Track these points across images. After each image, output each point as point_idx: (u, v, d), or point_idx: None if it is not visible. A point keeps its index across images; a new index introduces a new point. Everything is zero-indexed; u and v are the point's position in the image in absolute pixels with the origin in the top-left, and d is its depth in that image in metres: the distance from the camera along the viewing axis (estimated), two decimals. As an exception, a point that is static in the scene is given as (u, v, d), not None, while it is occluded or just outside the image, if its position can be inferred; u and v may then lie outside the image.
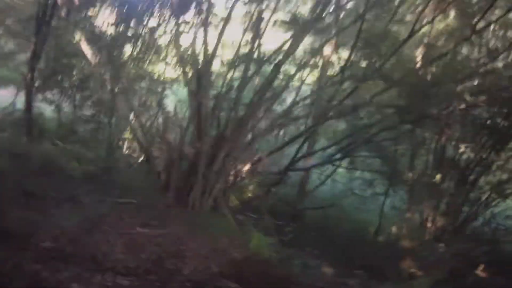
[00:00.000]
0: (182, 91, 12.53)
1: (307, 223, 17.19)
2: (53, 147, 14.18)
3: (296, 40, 12.08)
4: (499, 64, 14.45)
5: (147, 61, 13.58)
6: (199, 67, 10.97)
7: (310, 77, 19.11)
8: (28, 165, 11.83)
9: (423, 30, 13.92)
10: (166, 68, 14.50)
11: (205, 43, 11.21)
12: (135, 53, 13.33)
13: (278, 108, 15.44)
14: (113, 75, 11.73)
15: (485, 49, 14.40)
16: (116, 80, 11.67)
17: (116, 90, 11.85)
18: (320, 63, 18.10)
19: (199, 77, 10.74)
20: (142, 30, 13.05)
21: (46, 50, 12.91)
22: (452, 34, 14.01)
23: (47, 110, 17.04)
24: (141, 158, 12.18)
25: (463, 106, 14.53)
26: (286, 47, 12.04)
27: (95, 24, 12.18)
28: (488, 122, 16.18)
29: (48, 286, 5.58)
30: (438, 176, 16.35)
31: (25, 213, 7.94)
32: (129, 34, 13.03)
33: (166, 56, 13.67)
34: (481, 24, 13.03)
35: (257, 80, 12.89)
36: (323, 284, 7.76)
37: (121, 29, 12.77)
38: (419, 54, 14.76)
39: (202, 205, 10.17)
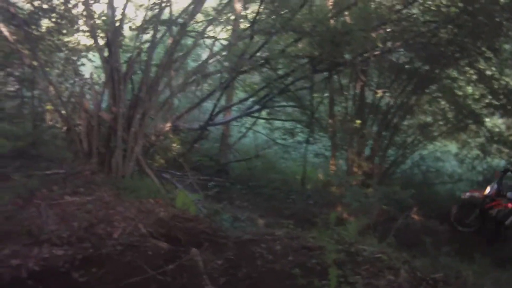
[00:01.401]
0: (98, 59, 12.63)
1: (232, 176, 17.44)
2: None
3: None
4: (414, 10, 14.84)
5: (63, 32, 13.64)
6: (109, 33, 11.08)
7: (223, 33, 19.31)
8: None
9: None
10: (81, 38, 14.58)
11: (113, 8, 11.31)
12: (51, 25, 13.43)
13: (194, 65, 15.62)
14: (31, 49, 11.78)
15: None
16: (34, 54, 11.73)
17: (35, 64, 11.90)
18: (231, 19, 18.31)
19: (110, 43, 10.85)
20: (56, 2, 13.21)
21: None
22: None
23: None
24: (64, 128, 12.27)
25: (378, 52, 14.89)
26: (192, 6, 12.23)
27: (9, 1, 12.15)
28: (406, 66, 16.63)
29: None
30: (359, 122, 16.69)
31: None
32: (44, 7, 13.15)
33: (80, 25, 13.75)
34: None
35: (167, 41, 13.08)
36: (251, 235, 8.04)
37: (36, 4, 12.90)
38: (330, 3, 15.08)
39: (125, 168, 10.29)
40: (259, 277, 6.52)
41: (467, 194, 14.78)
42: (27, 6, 13.10)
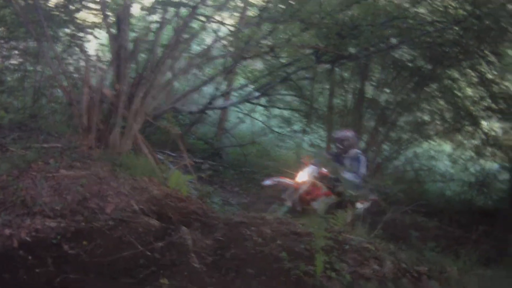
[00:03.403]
0: (105, 36, 12.66)
1: (226, 161, 17.56)
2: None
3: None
4: (422, 9, 14.87)
5: (71, 8, 13.64)
6: (119, 11, 11.13)
7: (230, 19, 19.34)
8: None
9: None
10: (88, 14, 14.60)
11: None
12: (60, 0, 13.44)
13: (198, 49, 15.66)
14: (38, 22, 11.80)
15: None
16: (41, 28, 11.76)
17: (41, 37, 11.94)
18: (240, 5, 18.34)
19: (119, 21, 10.91)
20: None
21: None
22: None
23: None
24: (65, 103, 12.29)
25: (383, 48, 14.96)
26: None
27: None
28: (409, 64, 16.70)
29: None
30: (358, 115, 16.77)
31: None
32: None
33: (88, 2, 13.75)
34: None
35: (176, 23, 13.14)
36: (241, 218, 8.15)
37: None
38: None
39: (122, 145, 10.34)
40: (247, 259, 6.64)
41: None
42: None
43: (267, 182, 11.77)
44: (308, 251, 6.97)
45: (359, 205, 11.46)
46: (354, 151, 11.83)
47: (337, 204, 11.23)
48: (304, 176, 11.70)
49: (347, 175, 11.51)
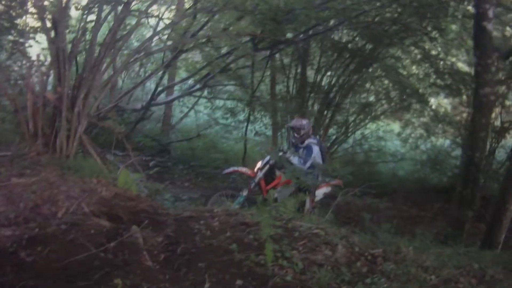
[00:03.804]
0: (45, 40, 12.67)
1: (174, 156, 17.66)
2: None
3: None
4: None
5: (12, 15, 13.60)
6: (55, 13, 11.13)
7: (168, 13, 19.40)
8: None
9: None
10: (29, 19, 14.58)
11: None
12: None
13: (137, 45, 15.71)
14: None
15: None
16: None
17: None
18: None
19: (56, 23, 10.92)
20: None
21: None
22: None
23: None
24: (12, 110, 12.29)
25: (320, 30, 15.07)
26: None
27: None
28: (349, 45, 16.86)
29: None
30: (301, 100, 16.89)
31: None
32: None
33: (28, 7, 13.73)
34: None
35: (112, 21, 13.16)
36: (190, 213, 8.26)
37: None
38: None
39: (69, 148, 10.38)
40: (197, 253, 6.73)
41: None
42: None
43: (226, 170, 12.21)
44: (257, 241, 7.08)
45: (320, 191, 11.70)
46: (308, 140, 12.01)
47: (296, 191, 11.32)
48: (260, 164, 11.92)
49: (295, 160, 11.68)
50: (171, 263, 6.55)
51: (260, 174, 11.80)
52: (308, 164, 11.77)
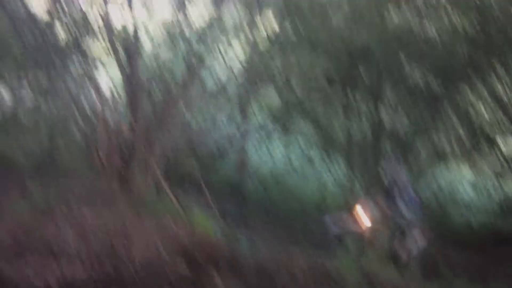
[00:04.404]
0: (117, 73, 12.52)
1: (249, 201, 17.34)
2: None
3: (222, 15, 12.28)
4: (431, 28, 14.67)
5: (83, 44, 13.50)
6: (131, 48, 11.03)
7: (242, 50, 19.25)
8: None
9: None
10: (100, 52, 14.48)
11: (135, 23, 11.28)
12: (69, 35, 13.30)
13: (209, 81, 15.54)
14: (46, 54, 11.66)
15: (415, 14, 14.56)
16: (53, 63, 11.63)
17: (51, 70, 11.81)
18: (252, 36, 18.26)
19: (130, 57, 10.82)
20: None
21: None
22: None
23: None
24: (82, 142, 12.14)
25: (397, 73, 14.79)
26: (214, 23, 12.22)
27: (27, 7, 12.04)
28: (422, 87, 16.44)
29: (6, 276, 5.81)
30: (377, 144, 16.57)
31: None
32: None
33: (99, 39, 13.64)
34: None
35: (188, 58, 13.01)
36: (272, 263, 7.93)
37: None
38: (348, 20, 14.97)
39: (144, 185, 10.25)
40: None
41: None
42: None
43: (335, 229, 11.52)
44: None
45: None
46: (408, 190, 11.54)
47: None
48: (365, 217, 11.28)
49: (404, 212, 11.20)
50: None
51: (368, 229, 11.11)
52: (417, 210, 11.28)
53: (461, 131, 17.04)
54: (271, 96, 18.01)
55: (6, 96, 15.10)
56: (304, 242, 11.29)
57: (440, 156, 17.34)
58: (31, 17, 11.81)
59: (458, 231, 15.89)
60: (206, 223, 9.17)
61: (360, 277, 7.28)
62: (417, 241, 11.29)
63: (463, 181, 18.96)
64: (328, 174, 18.08)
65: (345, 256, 8.50)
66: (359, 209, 11.52)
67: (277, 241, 12.42)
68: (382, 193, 12.32)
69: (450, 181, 18.60)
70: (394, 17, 14.30)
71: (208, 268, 7.13)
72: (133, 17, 11.38)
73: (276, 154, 19.26)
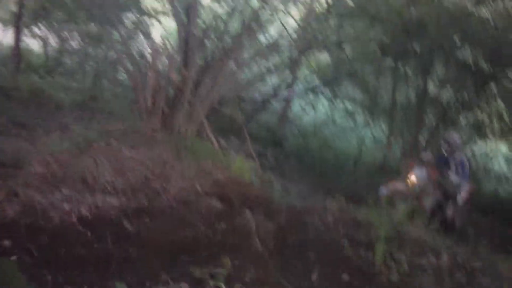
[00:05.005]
0: (169, 23, 12.58)
1: (287, 150, 17.42)
2: (40, 79, 14.28)
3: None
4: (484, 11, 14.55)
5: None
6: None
7: (298, 12, 19.19)
8: (16, 97, 12.00)
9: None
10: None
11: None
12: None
13: (263, 39, 15.55)
14: (101, 6, 11.76)
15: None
16: (104, 11, 11.71)
17: (104, 21, 11.91)
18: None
19: (188, 9, 10.86)
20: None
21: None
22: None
23: (35, 46, 17.07)
24: (127, 85, 12.23)
25: (446, 47, 14.74)
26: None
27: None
28: (471, 64, 16.35)
29: (40, 208, 5.80)
30: (420, 112, 16.61)
31: (16, 143, 8.20)
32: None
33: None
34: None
35: (244, 13, 13.03)
36: (303, 205, 8.04)
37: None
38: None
39: (187, 129, 10.31)
40: (308, 244, 6.58)
41: None
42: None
43: (383, 191, 11.50)
44: (368, 240, 7.01)
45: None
46: (460, 155, 11.66)
47: (440, 201, 11.27)
48: (415, 179, 11.53)
49: (453, 178, 11.37)
50: (280, 251, 6.33)
51: (416, 190, 11.35)
52: (467, 176, 11.49)
53: (504, 112, 17.04)
54: (322, 57, 18.09)
55: (55, 42, 15.29)
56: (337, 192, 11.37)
57: (480, 132, 17.43)
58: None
59: (486, 199, 16.04)
60: (243, 167, 9.17)
61: (388, 225, 7.35)
62: (460, 208, 11.43)
63: (498, 155, 19.05)
64: (368, 131, 18.24)
65: (376, 207, 8.52)
66: (405, 170, 11.70)
67: (310, 189, 12.55)
68: (428, 155, 12.40)
69: (486, 154, 18.73)
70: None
71: (240, 207, 7.21)
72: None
73: (319, 108, 19.39)
